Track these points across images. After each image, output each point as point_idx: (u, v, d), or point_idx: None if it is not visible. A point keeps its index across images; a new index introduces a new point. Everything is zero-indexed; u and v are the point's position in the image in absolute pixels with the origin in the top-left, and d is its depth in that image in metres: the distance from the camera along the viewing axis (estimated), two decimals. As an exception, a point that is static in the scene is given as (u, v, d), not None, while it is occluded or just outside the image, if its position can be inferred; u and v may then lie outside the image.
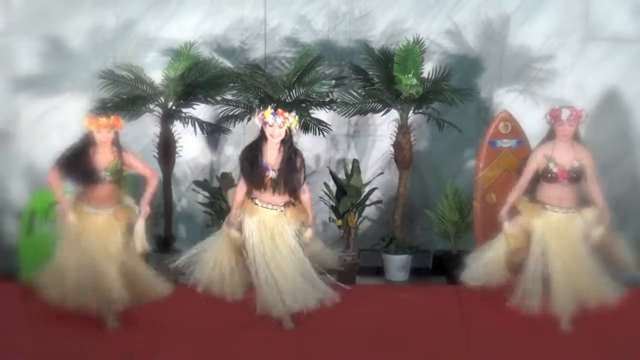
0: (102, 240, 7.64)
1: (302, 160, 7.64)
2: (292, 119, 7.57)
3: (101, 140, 7.63)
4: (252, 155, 7.64)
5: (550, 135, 7.80)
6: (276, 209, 7.61)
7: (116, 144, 7.71)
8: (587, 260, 7.67)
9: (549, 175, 7.72)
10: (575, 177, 7.71)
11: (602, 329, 7.61)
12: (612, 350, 7.30)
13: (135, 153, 7.95)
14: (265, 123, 7.53)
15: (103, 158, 7.64)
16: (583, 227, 7.74)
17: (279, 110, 7.57)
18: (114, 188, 7.70)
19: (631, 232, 8.14)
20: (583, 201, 7.76)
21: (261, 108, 7.94)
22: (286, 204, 7.64)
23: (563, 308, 7.58)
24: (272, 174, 7.55)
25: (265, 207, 7.61)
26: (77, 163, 7.63)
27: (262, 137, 7.60)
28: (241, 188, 7.68)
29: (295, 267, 7.56)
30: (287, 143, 7.59)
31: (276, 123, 7.50)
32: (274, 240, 7.57)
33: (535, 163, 7.78)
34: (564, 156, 7.70)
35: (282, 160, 7.56)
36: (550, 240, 7.72)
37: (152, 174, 7.93)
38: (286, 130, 7.54)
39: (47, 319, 7.73)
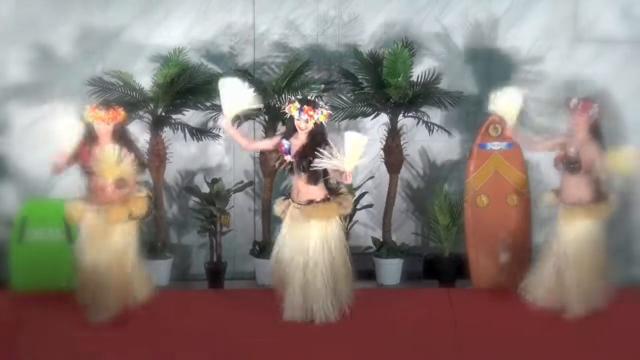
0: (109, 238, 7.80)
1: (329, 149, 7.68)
2: (318, 116, 7.73)
3: (100, 133, 7.77)
4: (282, 137, 7.96)
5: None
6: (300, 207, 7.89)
7: (118, 137, 7.81)
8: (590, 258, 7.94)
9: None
10: (572, 166, 7.90)
11: (596, 329, 7.64)
12: (607, 351, 7.32)
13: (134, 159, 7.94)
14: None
15: (102, 150, 7.75)
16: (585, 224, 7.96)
17: (305, 108, 7.72)
18: (117, 184, 7.73)
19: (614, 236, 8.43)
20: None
21: (292, 99, 8.03)
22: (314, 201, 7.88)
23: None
24: (288, 158, 7.83)
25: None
26: (75, 154, 7.85)
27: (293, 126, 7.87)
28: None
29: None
30: (314, 133, 7.76)
31: (302, 118, 7.74)
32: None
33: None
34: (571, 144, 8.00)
35: (304, 147, 7.74)
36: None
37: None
38: (315, 123, 7.74)
39: (41, 327, 7.74)
